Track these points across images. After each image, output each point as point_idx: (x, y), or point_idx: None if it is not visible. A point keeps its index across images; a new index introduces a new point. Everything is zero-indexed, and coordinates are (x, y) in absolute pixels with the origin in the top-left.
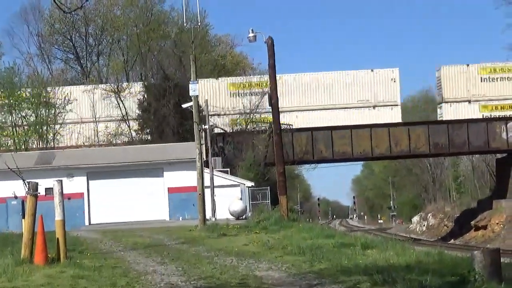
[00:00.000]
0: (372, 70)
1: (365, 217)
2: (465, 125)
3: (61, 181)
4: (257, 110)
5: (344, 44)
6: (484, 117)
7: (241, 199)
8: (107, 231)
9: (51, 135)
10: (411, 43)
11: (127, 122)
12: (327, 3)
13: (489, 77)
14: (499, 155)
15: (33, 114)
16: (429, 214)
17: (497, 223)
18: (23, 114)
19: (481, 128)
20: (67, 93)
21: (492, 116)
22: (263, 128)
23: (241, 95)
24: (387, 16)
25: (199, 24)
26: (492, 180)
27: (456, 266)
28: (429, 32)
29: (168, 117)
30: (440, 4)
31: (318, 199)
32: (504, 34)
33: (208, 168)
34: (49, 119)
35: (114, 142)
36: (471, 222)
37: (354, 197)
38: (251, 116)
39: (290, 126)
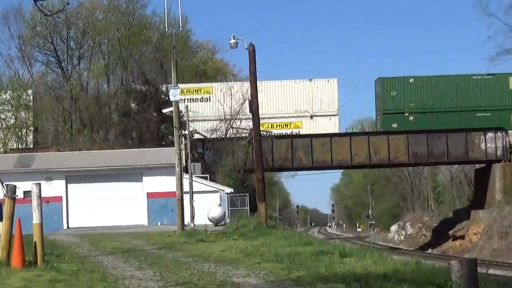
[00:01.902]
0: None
1: (344, 225)
2: (445, 135)
3: (40, 184)
4: (237, 116)
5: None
6: None
7: (220, 205)
8: (85, 235)
9: (31, 137)
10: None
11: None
12: (310, 12)
13: None
14: (477, 166)
15: (13, 117)
16: (407, 223)
17: (475, 233)
18: (3, 117)
19: (460, 139)
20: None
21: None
22: (243, 134)
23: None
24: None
25: (180, 29)
26: (470, 190)
27: (433, 276)
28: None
29: (149, 122)
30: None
31: (297, 206)
32: (485, 45)
33: (188, 173)
34: (29, 122)
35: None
36: (449, 232)
37: (333, 205)
38: (231, 122)
39: (270, 132)
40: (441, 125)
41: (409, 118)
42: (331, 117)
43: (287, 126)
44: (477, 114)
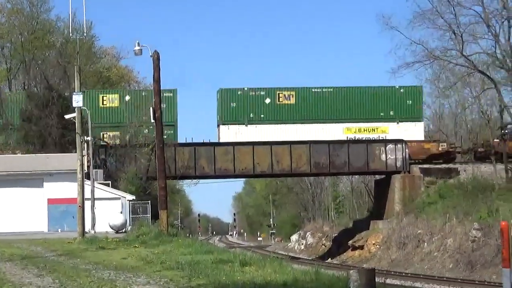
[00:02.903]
0: None
1: (245, 234)
2: (346, 146)
3: None
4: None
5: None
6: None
7: (121, 212)
8: None
9: None
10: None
11: (9, 131)
12: (216, 19)
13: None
14: (377, 176)
15: None
16: (308, 233)
17: (374, 243)
18: None
19: (361, 149)
20: None
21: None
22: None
23: None
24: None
25: (84, 35)
26: (370, 201)
27: (332, 285)
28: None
29: (51, 128)
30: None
31: (199, 215)
32: (387, 58)
33: (89, 180)
34: None
35: None
36: (349, 242)
37: (234, 214)
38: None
39: (174, 140)
40: None
41: None
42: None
43: None
44: None
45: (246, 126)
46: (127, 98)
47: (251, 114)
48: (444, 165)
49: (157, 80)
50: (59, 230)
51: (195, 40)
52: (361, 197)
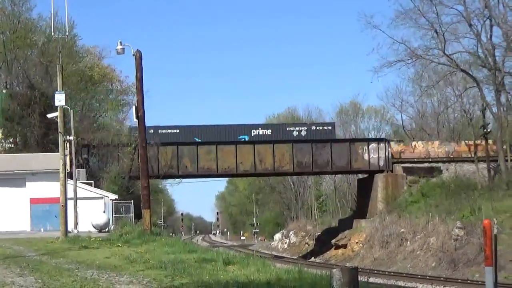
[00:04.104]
0: None
1: (228, 233)
2: (329, 145)
3: None
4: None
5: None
6: None
7: (104, 211)
8: None
9: None
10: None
11: None
12: (201, 20)
13: None
14: (360, 175)
15: None
16: (291, 232)
17: (357, 242)
18: None
19: (344, 149)
20: None
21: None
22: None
23: None
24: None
25: (67, 34)
26: (353, 200)
27: (315, 284)
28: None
29: (33, 127)
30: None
31: (182, 214)
32: (369, 57)
33: (72, 179)
34: None
35: None
36: (332, 241)
37: (217, 213)
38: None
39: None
40: None
41: None
42: None
43: None
44: None
45: None
46: None
47: None
48: (426, 164)
49: (139, 79)
50: (42, 229)
51: (179, 39)
52: (344, 196)
